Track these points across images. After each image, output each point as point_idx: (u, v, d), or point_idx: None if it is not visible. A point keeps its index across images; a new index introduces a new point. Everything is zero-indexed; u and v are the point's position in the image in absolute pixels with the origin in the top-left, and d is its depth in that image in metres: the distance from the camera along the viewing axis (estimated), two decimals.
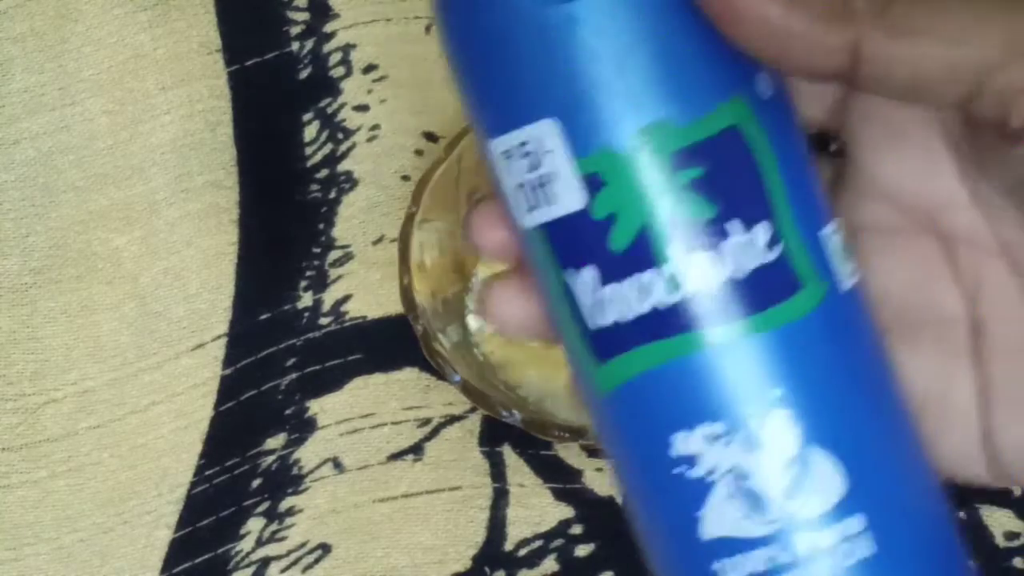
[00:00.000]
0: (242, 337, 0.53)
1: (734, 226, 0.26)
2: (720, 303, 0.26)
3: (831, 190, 0.31)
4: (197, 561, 0.50)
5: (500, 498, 0.50)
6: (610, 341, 0.27)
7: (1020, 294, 0.29)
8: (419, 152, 0.54)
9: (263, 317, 0.53)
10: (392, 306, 0.52)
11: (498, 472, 0.50)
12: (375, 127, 0.55)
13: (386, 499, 0.50)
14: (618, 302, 0.27)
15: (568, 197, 0.27)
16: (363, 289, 0.53)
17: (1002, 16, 0.26)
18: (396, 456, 0.51)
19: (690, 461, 0.27)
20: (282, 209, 0.54)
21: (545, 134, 0.27)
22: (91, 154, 0.55)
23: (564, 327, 0.28)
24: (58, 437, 0.52)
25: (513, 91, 0.27)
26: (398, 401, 0.51)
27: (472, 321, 0.51)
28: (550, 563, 0.49)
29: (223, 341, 0.53)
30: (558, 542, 0.49)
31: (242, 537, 0.50)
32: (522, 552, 0.49)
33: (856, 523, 0.27)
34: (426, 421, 0.51)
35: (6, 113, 0.56)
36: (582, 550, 0.49)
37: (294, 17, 0.56)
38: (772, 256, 0.27)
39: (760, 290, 0.27)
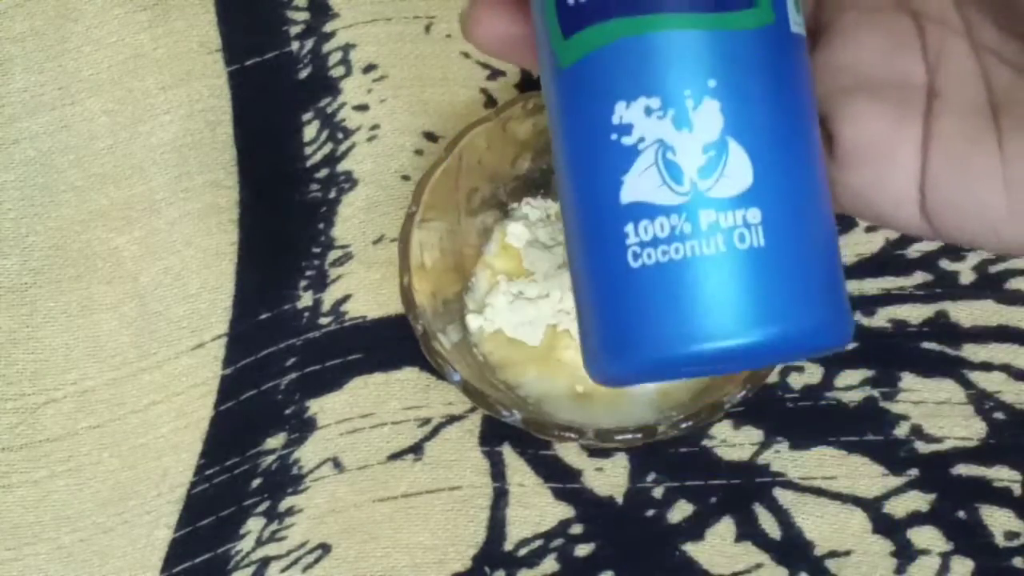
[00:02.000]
0: (242, 337, 0.53)
1: None
2: None
3: None
4: (197, 561, 0.50)
5: (500, 498, 0.50)
6: (579, 15, 0.31)
7: (975, 68, 0.32)
8: (419, 152, 0.54)
9: (263, 317, 0.53)
10: (392, 306, 0.52)
11: (498, 472, 0.50)
12: (375, 127, 0.55)
13: (386, 499, 0.50)
14: None
15: None
16: (363, 289, 0.53)
17: None
18: (396, 456, 0.51)
19: (626, 130, 0.31)
20: (282, 209, 0.54)
21: None
22: (91, 154, 0.55)
23: (542, 12, 0.32)
24: (58, 437, 0.52)
25: None
26: (398, 401, 0.51)
27: (472, 321, 0.51)
28: (550, 563, 0.49)
29: (223, 341, 0.53)
30: (558, 542, 0.49)
31: (242, 537, 0.50)
32: (522, 552, 0.49)
33: (754, 214, 0.31)
34: (426, 421, 0.51)
35: (6, 113, 0.56)
36: (582, 550, 0.49)
37: (294, 17, 0.56)
38: None
39: None
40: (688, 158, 0.30)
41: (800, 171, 0.32)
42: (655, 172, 0.31)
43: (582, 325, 0.32)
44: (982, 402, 0.50)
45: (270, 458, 0.51)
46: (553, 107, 0.33)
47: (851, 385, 0.50)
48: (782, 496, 0.49)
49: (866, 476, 0.49)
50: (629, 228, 0.31)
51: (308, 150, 0.54)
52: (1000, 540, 0.48)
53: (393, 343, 0.52)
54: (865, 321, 0.51)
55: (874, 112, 0.33)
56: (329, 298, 0.53)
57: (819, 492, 0.49)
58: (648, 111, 0.31)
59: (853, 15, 0.34)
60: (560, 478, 0.50)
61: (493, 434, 0.51)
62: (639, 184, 0.31)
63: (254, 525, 0.50)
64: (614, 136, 0.31)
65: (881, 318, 0.51)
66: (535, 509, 0.50)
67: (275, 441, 0.51)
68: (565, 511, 0.50)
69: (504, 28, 0.34)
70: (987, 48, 0.32)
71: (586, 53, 0.31)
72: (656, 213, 0.30)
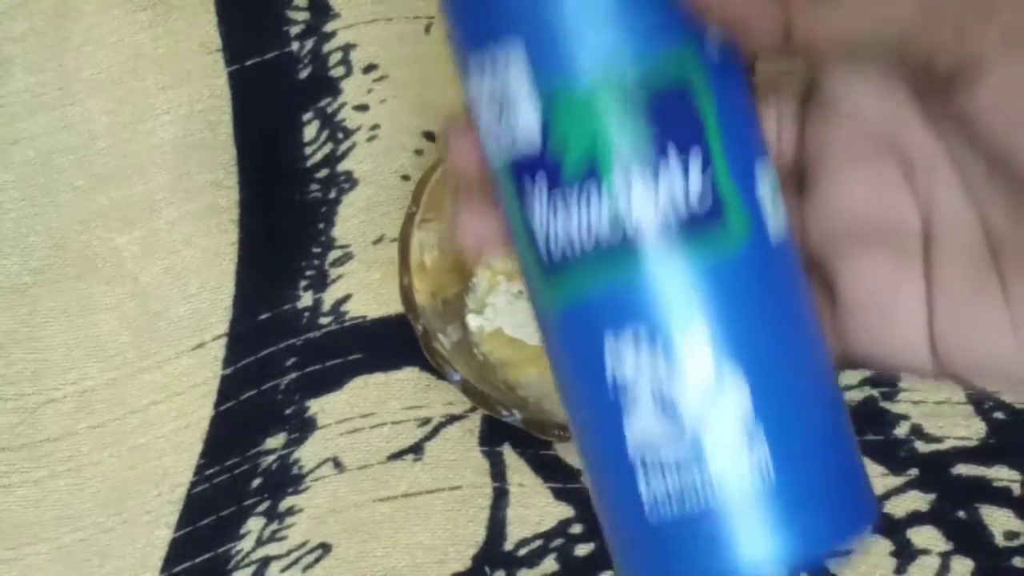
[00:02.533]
0: (242, 337, 0.53)
1: (672, 159, 0.30)
2: (654, 228, 0.30)
3: (801, 111, 0.34)
4: (197, 561, 0.50)
5: (500, 498, 0.50)
6: (556, 260, 0.31)
7: (968, 209, 0.32)
8: (419, 152, 0.54)
9: (263, 317, 0.53)
10: (392, 306, 0.52)
11: (498, 472, 0.50)
12: (375, 127, 0.55)
13: (386, 499, 0.50)
14: (564, 225, 0.30)
15: (528, 124, 0.30)
16: (363, 289, 0.53)
17: None
18: (396, 456, 0.51)
19: (618, 369, 0.30)
20: (282, 209, 0.54)
21: (512, 59, 0.30)
22: (91, 154, 0.55)
23: (520, 245, 0.32)
24: (58, 437, 0.52)
25: (490, 9, 0.30)
26: (398, 401, 0.51)
27: (472, 321, 0.51)
28: (550, 563, 0.49)
29: (223, 341, 0.53)
30: (558, 542, 0.49)
31: (242, 537, 0.50)
32: (522, 552, 0.49)
33: (759, 440, 0.30)
34: (426, 421, 0.51)
35: (6, 113, 0.56)
36: (582, 550, 0.49)
37: (294, 17, 0.56)
38: (705, 190, 0.30)
39: (692, 220, 0.30)
40: (684, 394, 0.30)
41: (802, 383, 0.31)
42: (654, 412, 0.30)
43: (609, 544, 0.32)
44: (982, 402, 0.50)
45: (270, 458, 0.51)
46: (545, 339, 0.32)
47: (851, 385, 0.50)
48: None
49: None
50: (640, 477, 0.30)
51: (308, 150, 0.54)
52: (1000, 540, 0.48)
53: (393, 343, 0.52)
54: None
55: (872, 261, 0.32)
56: (329, 298, 0.53)
57: None
58: (637, 348, 0.30)
59: (838, 159, 0.33)
60: (560, 478, 0.50)
61: (493, 434, 0.51)
62: (641, 427, 0.30)
63: (254, 525, 0.50)
64: (608, 377, 0.30)
65: None
66: (535, 509, 0.50)
67: (275, 441, 0.51)
68: (565, 511, 0.50)
69: (495, 232, 0.33)
70: (978, 187, 0.31)
71: (571, 292, 0.31)
72: (663, 456, 0.30)
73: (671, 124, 0.30)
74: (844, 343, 0.33)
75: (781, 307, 0.31)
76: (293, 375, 0.52)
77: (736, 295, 0.30)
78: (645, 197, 0.29)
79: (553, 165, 0.30)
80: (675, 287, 0.30)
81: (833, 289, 0.33)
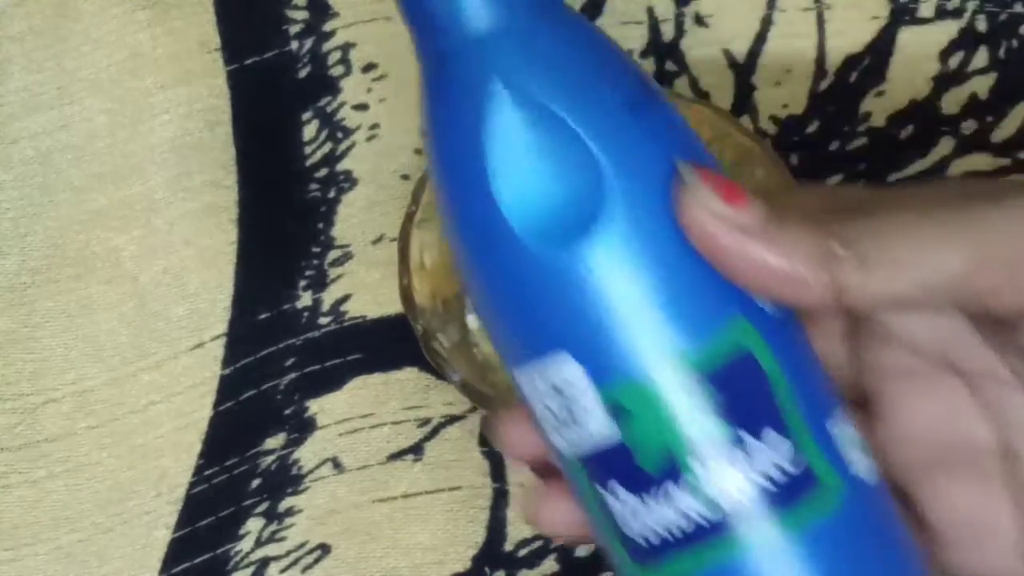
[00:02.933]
0: (241, 337, 0.52)
1: (749, 437, 0.29)
2: (746, 509, 0.29)
3: (849, 338, 0.33)
4: (196, 561, 0.50)
5: (500, 498, 0.50)
6: (648, 550, 0.30)
7: None
8: (419, 151, 0.54)
9: (262, 317, 0.53)
10: (392, 306, 0.52)
11: (498, 472, 0.50)
12: (375, 126, 0.54)
13: (386, 499, 0.50)
14: (651, 517, 0.29)
15: (595, 426, 0.29)
16: (363, 289, 0.53)
17: (964, 227, 0.28)
18: (396, 456, 0.51)
19: None
20: (281, 208, 0.54)
21: (566, 368, 0.29)
22: (90, 153, 0.55)
23: (603, 534, 0.31)
24: (57, 437, 0.52)
25: (530, 326, 0.29)
26: (398, 401, 0.51)
27: (472, 321, 0.50)
28: (550, 563, 0.49)
29: (222, 341, 0.52)
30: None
31: (241, 537, 0.50)
32: (522, 552, 0.49)
33: None
34: (426, 421, 0.51)
35: (4, 112, 0.56)
36: (582, 550, 0.49)
37: (293, 16, 0.56)
38: (788, 460, 0.29)
39: (781, 493, 0.29)
40: None
41: None
42: None
43: None
44: None
45: (269, 458, 0.51)
46: None
47: None
48: None
49: None
50: None
51: (307, 149, 0.54)
52: None
53: (393, 343, 0.52)
54: None
55: (955, 489, 0.32)
56: (329, 298, 0.53)
57: None
58: None
59: (899, 383, 0.33)
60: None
61: None
62: None
63: (253, 525, 0.50)
64: None
65: None
66: None
67: (274, 441, 0.51)
68: None
69: (575, 518, 0.32)
70: None
71: None
72: None
73: (742, 398, 0.29)
74: (940, 564, 0.33)
75: (886, 550, 0.30)
76: (292, 375, 0.52)
77: (842, 553, 0.29)
78: (730, 480, 0.29)
79: (629, 461, 0.29)
80: (778, 563, 0.29)
81: (918, 514, 0.32)
